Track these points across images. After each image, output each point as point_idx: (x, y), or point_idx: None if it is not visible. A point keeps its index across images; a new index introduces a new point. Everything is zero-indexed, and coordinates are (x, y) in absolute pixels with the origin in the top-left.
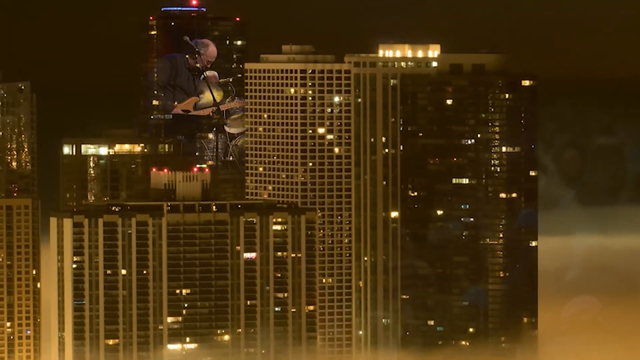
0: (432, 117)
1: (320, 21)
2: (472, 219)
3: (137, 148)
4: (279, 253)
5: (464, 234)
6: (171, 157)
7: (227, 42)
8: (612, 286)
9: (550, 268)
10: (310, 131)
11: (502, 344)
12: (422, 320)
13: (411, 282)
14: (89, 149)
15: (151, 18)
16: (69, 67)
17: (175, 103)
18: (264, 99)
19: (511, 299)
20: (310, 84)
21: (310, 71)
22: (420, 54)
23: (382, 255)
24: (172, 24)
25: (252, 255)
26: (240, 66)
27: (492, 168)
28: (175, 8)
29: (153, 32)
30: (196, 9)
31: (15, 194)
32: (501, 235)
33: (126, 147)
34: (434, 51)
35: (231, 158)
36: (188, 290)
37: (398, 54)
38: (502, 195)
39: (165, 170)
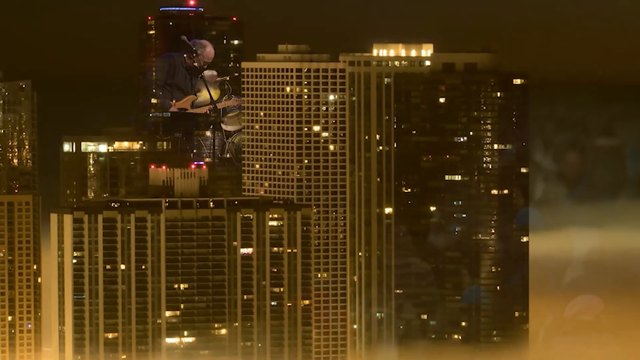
0: (425, 115)
1: (316, 21)
2: (464, 215)
3: (136, 145)
4: (275, 248)
5: (456, 229)
6: (169, 154)
7: (224, 41)
8: (603, 281)
9: (542, 263)
10: (306, 129)
11: (493, 337)
12: (415, 314)
13: (405, 277)
14: (88, 146)
15: (150, 18)
16: (69, 66)
17: (173, 101)
18: (260, 97)
19: (503, 294)
20: (305, 82)
21: (305, 70)
22: (413, 53)
23: (376, 250)
24: (170, 23)
25: (249, 250)
26: (237, 65)
27: (484, 165)
28: (173, 8)
29: (151, 32)
30: (194, 9)
31: (16, 191)
32: (493, 231)
33: (125, 145)
34: (427, 50)
35: (228, 155)
36: (186, 285)
37: (392, 53)
38: (494, 191)
39: (164, 167)
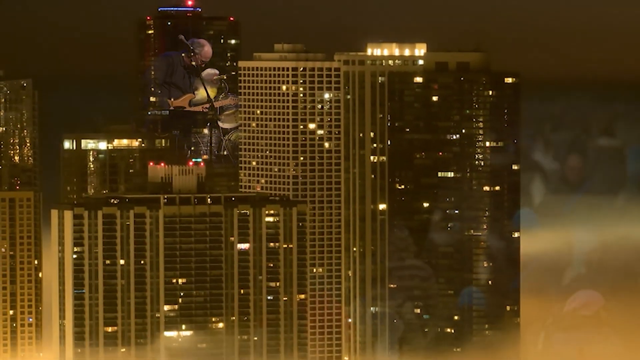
0: (418, 113)
1: (311, 21)
2: (456, 211)
3: (135, 143)
4: (272, 244)
5: (449, 225)
6: (167, 151)
7: (222, 41)
8: (593, 275)
9: (533, 258)
10: (302, 126)
11: (485, 331)
12: (409, 308)
13: (398, 271)
14: (88, 144)
15: (148, 18)
16: (69, 65)
17: (172, 100)
18: (257, 96)
19: (494, 288)
20: (301, 81)
21: (301, 69)
22: (407, 52)
23: (370, 246)
24: (169, 23)
25: (246, 246)
26: (234, 64)
27: (476, 162)
28: (171, 8)
29: (150, 32)
30: (192, 9)
31: (17, 187)
32: (485, 227)
33: (124, 142)
34: (420, 50)
35: (225, 152)
36: (184, 280)
37: (386, 53)
38: (486, 188)
39: (162, 164)
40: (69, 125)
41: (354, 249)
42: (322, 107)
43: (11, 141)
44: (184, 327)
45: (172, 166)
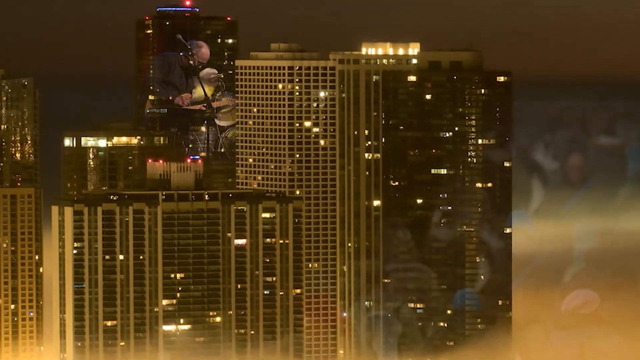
0: (412, 111)
1: (307, 21)
2: (449, 207)
3: (134, 140)
4: (268, 239)
5: (442, 221)
6: (166, 149)
7: (219, 40)
8: (581, 268)
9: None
10: (297, 124)
11: (478, 325)
12: (402, 302)
13: (392, 266)
14: (88, 141)
15: (147, 18)
16: (69, 64)
17: (170, 98)
18: (253, 94)
19: (487, 283)
20: (297, 80)
21: (297, 68)
22: (401, 51)
23: (365, 241)
24: (167, 23)
25: (243, 241)
26: (231, 63)
27: (469, 159)
28: (169, 8)
29: (149, 31)
30: (190, 9)
31: (18, 184)
32: (477, 223)
33: (124, 140)
34: (414, 49)
35: (222, 150)
36: (182, 275)
37: (380, 52)
38: (478, 184)
39: (161, 161)
40: (69, 123)
41: (349, 244)
42: (318, 105)
43: (12, 139)
44: (182, 321)
45: (171, 163)
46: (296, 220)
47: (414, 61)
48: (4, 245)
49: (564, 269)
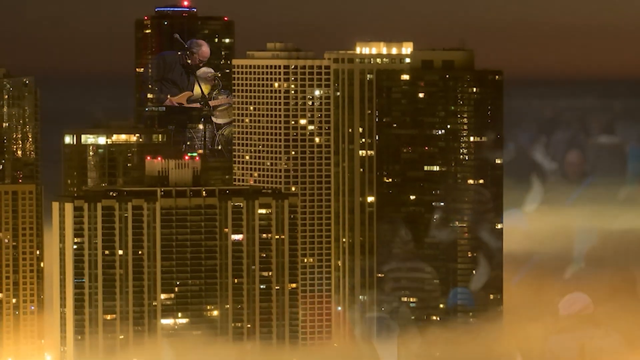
0: (405, 109)
1: (302, 21)
2: (442, 204)
3: (133, 138)
4: (264, 235)
5: (435, 217)
6: (164, 146)
7: (216, 40)
8: (569, 260)
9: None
10: (293, 122)
11: (470, 318)
12: (396, 296)
13: (386, 261)
14: (88, 139)
15: (146, 18)
16: (70, 63)
17: (169, 96)
18: (250, 93)
19: (478, 277)
20: (292, 78)
21: (292, 67)
22: (394, 51)
23: (359, 237)
24: (165, 23)
25: (239, 236)
26: (228, 62)
27: (461, 156)
28: (168, 8)
29: (148, 31)
30: (187, 9)
31: (20, 180)
32: (469, 219)
33: (123, 137)
34: (407, 48)
35: (219, 147)
36: (180, 269)
37: (374, 51)
38: (470, 181)
39: (159, 158)
40: (70, 120)
41: (344, 239)
42: (313, 103)
43: (14, 136)
44: (180, 314)
45: (169, 160)
46: (292, 216)
47: (407, 60)
48: (6, 240)
49: (563, 267)
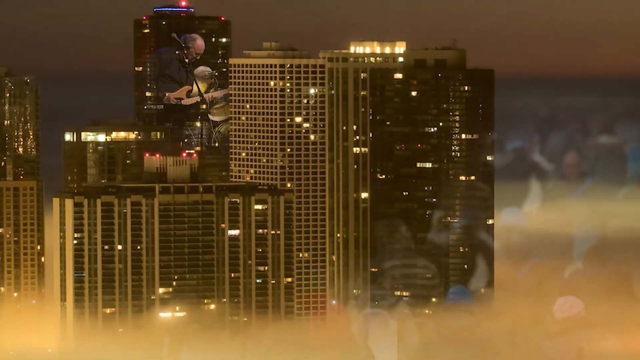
0: (398, 107)
1: (297, 21)
2: (434, 200)
3: (132, 135)
4: (260, 230)
5: (427, 212)
6: (162, 143)
7: (213, 39)
8: (556, 253)
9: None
10: (288, 120)
11: (461, 312)
12: (389, 290)
13: (379, 256)
14: (88, 136)
15: (144, 17)
16: (70, 61)
17: (167, 94)
18: (246, 91)
19: (469, 272)
20: (288, 77)
21: (288, 66)
22: (387, 50)
23: (353, 232)
24: (164, 23)
25: (236, 232)
26: (225, 61)
27: (453, 153)
28: (166, 8)
29: (146, 30)
30: (185, 9)
31: (21, 177)
32: (461, 214)
33: (122, 134)
34: (400, 48)
35: (215, 144)
36: (178, 264)
37: (368, 50)
38: (462, 177)
39: (157, 155)
40: (70, 118)
41: (338, 235)
42: (308, 101)
43: (15, 134)
44: (177, 308)
45: (167, 157)
46: (287, 212)
47: (400, 59)
48: (7, 235)
49: (559, 264)
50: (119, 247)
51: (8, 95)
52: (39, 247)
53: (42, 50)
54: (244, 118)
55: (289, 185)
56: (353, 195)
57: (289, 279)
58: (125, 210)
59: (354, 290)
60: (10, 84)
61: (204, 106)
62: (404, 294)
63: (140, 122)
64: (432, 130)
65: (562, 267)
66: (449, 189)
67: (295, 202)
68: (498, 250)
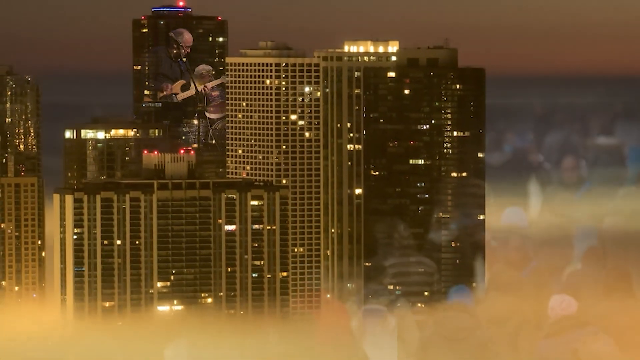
0: (391, 105)
1: (293, 21)
2: (426, 196)
3: (131, 132)
4: (256, 225)
5: (419, 208)
6: (160, 140)
7: (210, 38)
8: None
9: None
10: (284, 118)
11: (453, 305)
12: (382, 284)
13: (373, 251)
14: (88, 134)
15: (143, 17)
16: (70, 60)
17: (164, 92)
18: (243, 89)
19: (461, 266)
20: (283, 75)
21: (283, 64)
22: (381, 49)
23: (347, 227)
24: (162, 22)
25: (232, 227)
26: (222, 60)
27: (445, 150)
28: (164, 9)
29: (144, 30)
30: (183, 9)
31: (22, 173)
32: (452, 210)
33: (121, 132)
34: (393, 47)
35: (212, 141)
36: (176, 258)
37: (361, 50)
38: (454, 174)
39: (155, 152)
40: (70, 116)
41: (332, 230)
42: (303, 99)
43: (16, 131)
44: (175, 302)
45: (165, 154)
46: (283, 208)
47: (393, 58)
48: (9, 231)
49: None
50: (118, 242)
51: (9, 93)
52: (39, 242)
53: (43, 50)
54: (240, 116)
55: (284, 181)
56: (347, 192)
57: (285, 273)
58: (124, 206)
59: (348, 284)
60: (11, 82)
61: (200, 103)
62: (397, 288)
63: (139, 120)
64: (425, 127)
65: (558, 264)
66: (441, 185)
67: (291, 198)
68: (490, 247)
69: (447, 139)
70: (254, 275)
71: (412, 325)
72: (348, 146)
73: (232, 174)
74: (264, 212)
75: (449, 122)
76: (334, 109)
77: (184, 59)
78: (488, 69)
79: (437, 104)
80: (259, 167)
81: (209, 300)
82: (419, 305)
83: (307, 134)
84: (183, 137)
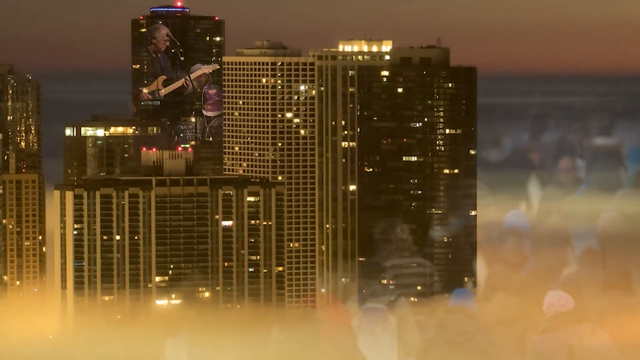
0: (385, 103)
1: (288, 21)
2: (419, 192)
3: (130, 130)
4: (253, 221)
5: (412, 204)
6: (159, 138)
7: (207, 38)
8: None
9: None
10: (280, 116)
11: (446, 300)
12: (376, 279)
13: (367, 246)
14: (87, 131)
15: (141, 17)
16: (71, 59)
17: (163, 90)
18: (239, 88)
19: (454, 261)
20: (279, 74)
21: (279, 63)
22: (374, 48)
23: (342, 223)
24: (160, 22)
25: (229, 223)
26: (219, 59)
27: (437, 147)
28: (162, 9)
29: (143, 30)
30: (181, 9)
31: (23, 170)
32: (445, 206)
33: (120, 130)
34: (386, 46)
35: (209, 139)
36: (174, 253)
37: (356, 49)
38: (446, 171)
39: (154, 149)
40: (70, 114)
41: (327, 226)
42: (298, 98)
43: (18, 129)
44: (173, 296)
45: (163, 151)
46: (278, 204)
47: (387, 57)
48: (10, 226)
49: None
50: (117, 237)
51: (11, 92)
52: (40, 238)
53: (44, 49)
54: (237, 114)
55: (280, 178)
56: (341, 188)
57: (280, 268)
58: (123, 202)
59: (342, 279)
60: (12, 81)
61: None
62: (391, 282)
63: (138, 118)
64: (418, 125)
65: (553, 260)
66: (434, 181)
67: (286, 195)
68: (482, 242)
69: (439, 137)
70: (250, 269)
71: (410, 323)
72: (342, 143)
73: (228, 171)
74: (260, 208)
75: (442, 120)
76: (328, 107)
77: (179, 54)
78: (479, 67)
79: (429, 102)
80: (255, 164)
81: (207, 294)
82: (412, 299)
83: (302, 132)
84: (181, 135)
